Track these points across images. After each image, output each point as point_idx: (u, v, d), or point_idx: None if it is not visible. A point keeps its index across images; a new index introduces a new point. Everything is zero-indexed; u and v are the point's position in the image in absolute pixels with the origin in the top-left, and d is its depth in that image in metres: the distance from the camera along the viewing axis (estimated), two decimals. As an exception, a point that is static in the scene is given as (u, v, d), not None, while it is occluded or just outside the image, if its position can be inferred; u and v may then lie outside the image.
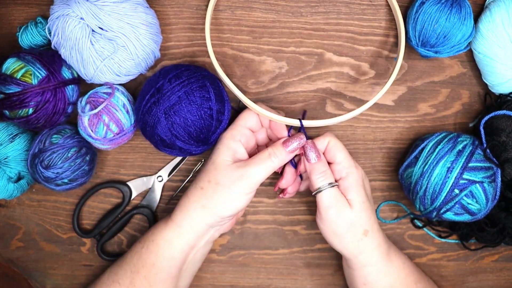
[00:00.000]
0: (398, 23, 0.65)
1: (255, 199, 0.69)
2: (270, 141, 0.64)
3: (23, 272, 0.70)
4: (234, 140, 0.59)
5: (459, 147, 0.61)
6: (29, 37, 0.62)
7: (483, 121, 0.63)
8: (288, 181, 0.63)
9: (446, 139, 0.62)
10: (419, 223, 0.70)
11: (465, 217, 0.62)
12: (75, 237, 0.69)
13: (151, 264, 0.60)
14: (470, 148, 0.61)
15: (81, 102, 0.61)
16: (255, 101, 0.61)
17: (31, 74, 0.59)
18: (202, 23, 0.66)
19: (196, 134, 0.59)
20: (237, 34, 0.67)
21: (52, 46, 0.61)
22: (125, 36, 0.58)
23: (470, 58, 0.68)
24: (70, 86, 0.61)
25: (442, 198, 0.60)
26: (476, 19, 0.64)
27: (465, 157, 0.60)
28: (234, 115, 0.63)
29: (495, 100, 0.66)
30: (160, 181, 0.68)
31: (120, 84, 0.63)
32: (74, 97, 0.62)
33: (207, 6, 0.65)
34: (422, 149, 0.63)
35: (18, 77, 0.59)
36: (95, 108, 0.61)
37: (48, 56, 0.60)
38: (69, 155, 0.61)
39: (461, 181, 0.60)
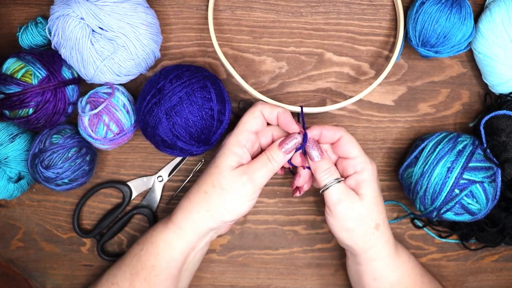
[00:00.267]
0: (398, 15, 0.65)
1: (255, 199, 0.69)
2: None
3: (23, 272, 0.70)
4: (240, 146, 0.59)
5: (459, 147, 0.61)
6: (29, 37, 0.62)
7: (483, 121, 0.63)
8: (305, 179, 0.62)
9: (446, 139, 0.62)
10: (419, 223, 0.70)
11: (465, 217, 0.62)
12: (75, 237, 0.69)
13: (151, 266, 0.60)
14: (470, 148, 0.61)
15: (81, 102, 0.61)
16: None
17: (31, 74, 0.59)
18: (202, 23, 0.66)
19: (197, 135, 0.59)
20: (237, 34, 0.67)
21: (52, 46, 0.61)
22: (125, 36, 0.58)
23: (470, 58, 0.68)
24: (70, 86, 0.61)
25: (442, 198, 0.60)
26: (476, 19, 0.64)
27: (465, 157, 0.60)
28: (233, 120, 0.63)
29: (495, 100, 0.66)
30: (160, 181, 0.68)
31: (120, 84, 0.63)
32: (74, 97, 0.62)
33: (207, 6, 0.65)
34: (422, 149, 0.63)
35: (18, 77, 0.58)
36: (95, 108, 0.61)
37: (48, 56, 0.60)
38: (69, 155, 0.61)
39: (461, 181, 0.60)
